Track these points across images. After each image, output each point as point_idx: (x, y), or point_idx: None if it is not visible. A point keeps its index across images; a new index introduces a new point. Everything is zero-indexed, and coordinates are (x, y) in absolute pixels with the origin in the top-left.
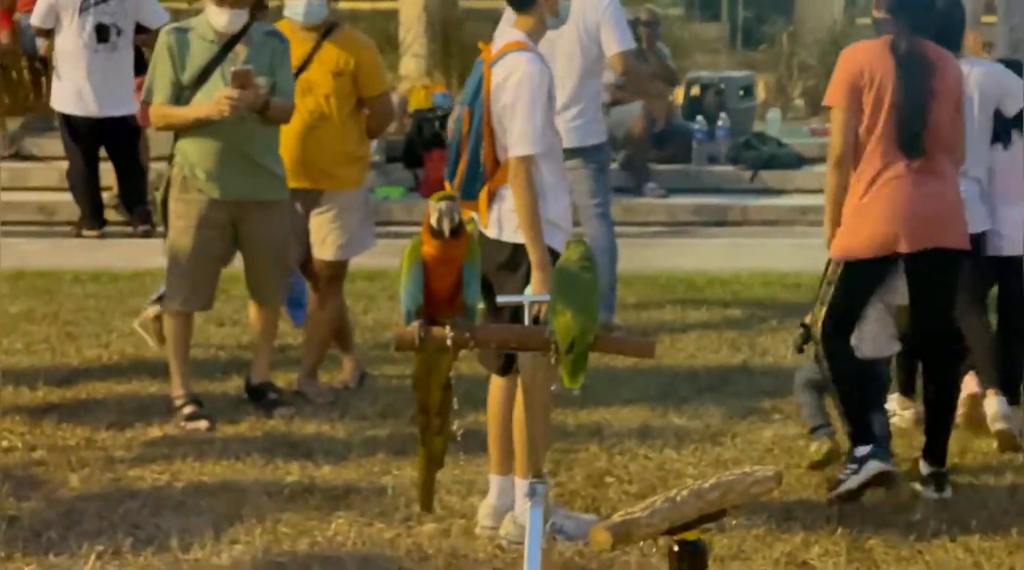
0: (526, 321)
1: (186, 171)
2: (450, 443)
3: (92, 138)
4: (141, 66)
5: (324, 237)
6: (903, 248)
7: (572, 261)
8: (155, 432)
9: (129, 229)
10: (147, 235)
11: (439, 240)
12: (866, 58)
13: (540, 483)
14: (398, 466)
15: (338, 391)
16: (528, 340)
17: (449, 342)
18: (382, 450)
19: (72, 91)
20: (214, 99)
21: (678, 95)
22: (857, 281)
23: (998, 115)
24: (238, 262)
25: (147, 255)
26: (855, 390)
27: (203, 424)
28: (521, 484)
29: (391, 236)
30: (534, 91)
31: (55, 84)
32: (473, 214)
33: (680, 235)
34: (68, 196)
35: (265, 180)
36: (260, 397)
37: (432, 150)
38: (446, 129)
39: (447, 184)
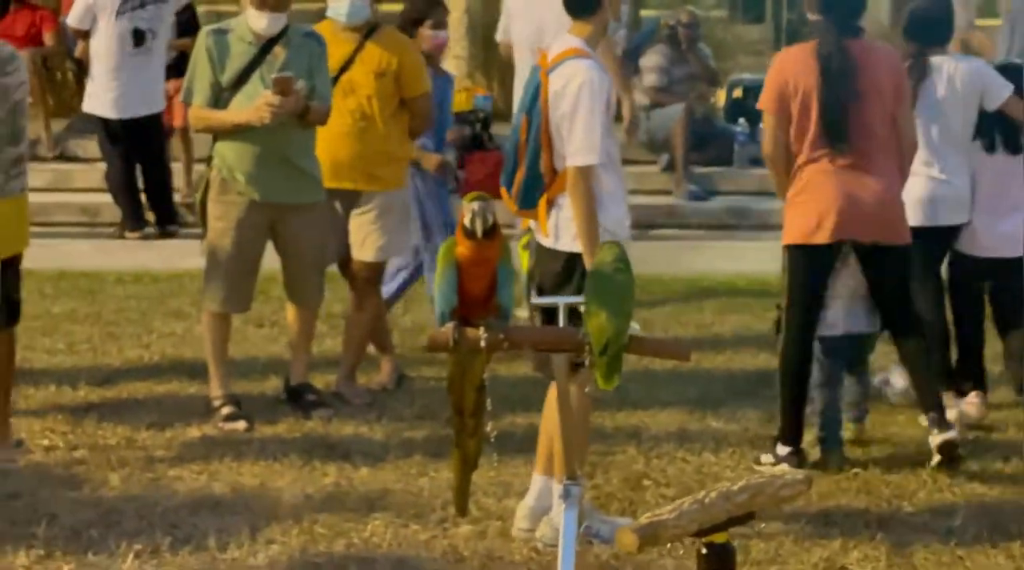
0: (561, 323)
1: (225, 173)
2: (485, 445)
3: (128, 140)
4: (183, 69)
5: (364, 238)
6: (831, 237)
7: (606, 263)
8: (194, 432)
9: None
10: (170, 235)
11: (472, 241)
12: (792, 67)
13: (575, 485)
14: (435, 468)
15: (376, 393)
16: (562, 342)
17: (483, 343)
18: (419, 452)
19: (105, 94)
20: (255, 106)
21: (720, 97)
22: (799, 268)
23: (983, 113)
24: (276, 263)
25: (187, 256)
26: (795, 386)
27: (241, 425)
28: (558, 486)
29: None
30: (594, 99)
31: (88, 86)
32: (531, 223)
33: (721, 238)
34: (111, 197)
35: (303, 182)
36: (298, 398)
37: (473, 152)
38: (487, 131)
39: (504, 192)
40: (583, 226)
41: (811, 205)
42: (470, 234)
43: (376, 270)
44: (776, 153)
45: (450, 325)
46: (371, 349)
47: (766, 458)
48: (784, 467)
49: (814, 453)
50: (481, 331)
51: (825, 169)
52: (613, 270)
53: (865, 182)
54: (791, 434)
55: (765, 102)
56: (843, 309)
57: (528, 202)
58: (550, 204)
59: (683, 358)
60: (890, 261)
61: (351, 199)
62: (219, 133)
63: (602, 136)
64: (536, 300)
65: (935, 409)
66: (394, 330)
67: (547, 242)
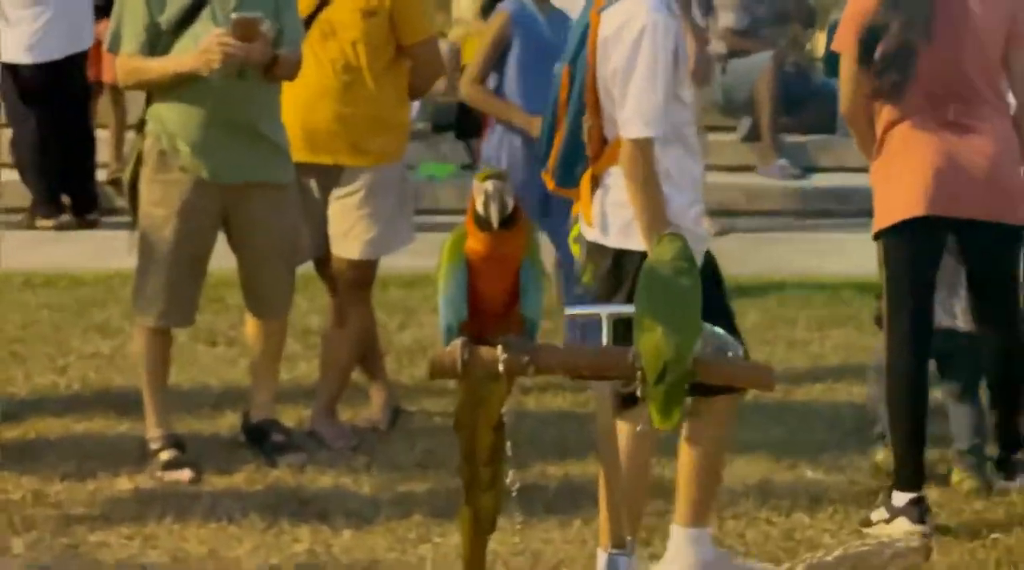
0: (604, 340)
1: (164, 144)
2: (504, 502)
3: (43, 93)
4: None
5: (348, 229)
6: (937, 209)
7: (664, 261)
8: (124, 484)
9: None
10: (92, 225)
11: (487, 232)
12: None
13: (623, 555)
14: (439, 532)
15: (363, 432)
16: (606, 365)
17: (501, 367)
18: (419, 511)
19: (16, 32)
20: (202, 46)
21: (819, 43)
22: (900, 256)
23: None
24: (231, 262)
25: (115, 253)
26: (911, 411)
27: (186, 474)
28: (601, 557)
29: (437, 229)
30: (656, 50)
31: (2, 33)
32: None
33: (818, 228)
34: (15, 175)
35: (267, 155)
36: (261, 439)
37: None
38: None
39: (548, 172)
40: (642, 215)
41: (906, 174)
42: (483, 223)
43: (364, 272)
44: (857, 109)
45: (458, 343)
46: (358, 375)
47: (878, 514)
48: (901, 525)
49: (963, 487)
50: (499, 351)
51: (921, 129)
52: (673, 271)
53: (973, 144)
54: (910, 477)
55: (842, 42)
56: (962, 305)
57: (567, 177)
58: (595, 182)
59: (766, 386)
60: (998, 245)
61: (330, 178)
62: (155, 89)
63: (665, 100)
64: (570, 310)
65: (1010, 446)
66: (389, 351)
67: (591, 234)
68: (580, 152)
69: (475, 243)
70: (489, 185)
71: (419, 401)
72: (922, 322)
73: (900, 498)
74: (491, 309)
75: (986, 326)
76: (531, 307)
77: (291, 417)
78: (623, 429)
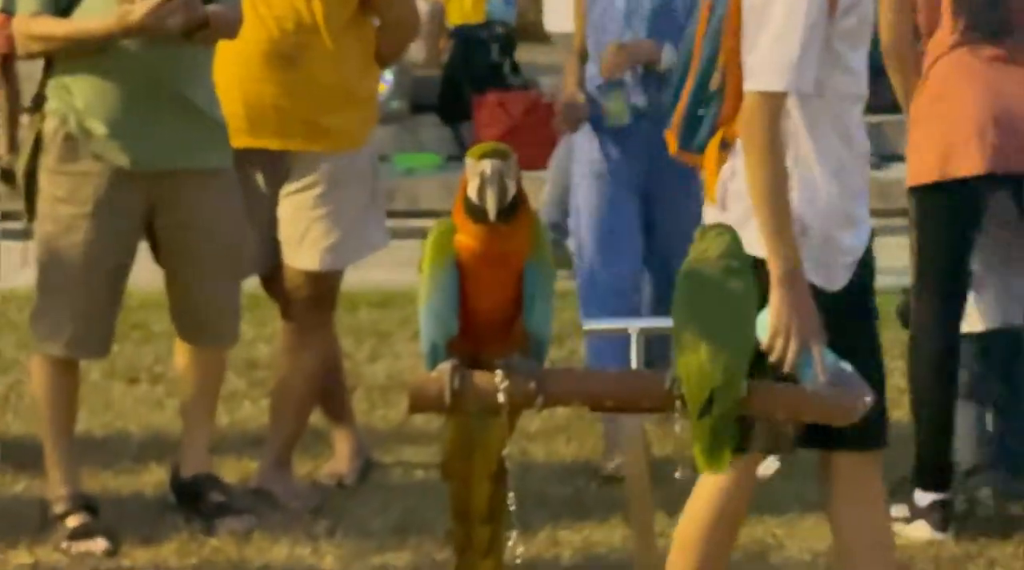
0: (633, 362)
1: (71, 125)
2: None
3: None
4: None
5: (302, 233)
6: (982, 168)
7: (710, 259)
8: (21, 558)
9: None
10: None
11: (482, 225)
12: None
13: None
14: None
15: (326, 490)
16: (636, 394)
17: (501, 398)
18: None
19: None
20: (120, 6)
21: None
22: (933, 220)
23: None
24: (158, 276)
25: (9, 267)
26: (933, 399)
27: (100, 545)
28: None
29: (417, 234)
30: None
31: None
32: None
33: (901, 228)
34: None
35: (206, 134)
36: (195, 499)
37: (487, 91)
38: (509, 58)
39: (672, 130)
40: (760, 196)
41: (949, 122)
42: (478, 213)
43: (324, 287)
44: (902, 41)
45: (446, 368)
46: (318, 418)
47: (899, 510)
48: (920, 530)
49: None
50: (499, 377)
51: (969, 66)
52: (722, 272)
53: None
54: (933, 474)
55: None
56: (995, 290)
57: (691, 138)
58: (725, 148)
59: (849, 418)
60: None
61: (279, 168)
62: (59, 58)
63: (807, 53)
64: (589, 324)
65: None
66: (357, 387)
67: (711, 213)
68: (708, 105)
69: (467, 239)
70: (486, 164)
71: (396, 449)
72: (955, 295)
73: (923, 498)
74: (488, 323)
75: None
76: (538, 320)
77: (233, 471)
78: (710, 485)
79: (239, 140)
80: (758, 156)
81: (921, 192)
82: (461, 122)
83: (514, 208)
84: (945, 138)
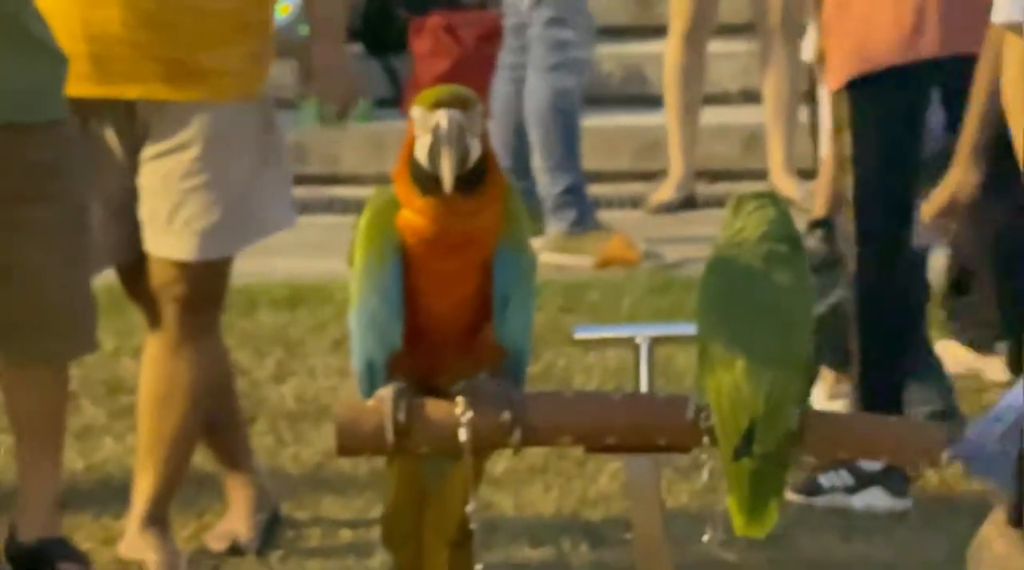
0: (642, 382)
1: None
2: None
3: None
4: None
5: (171, 210)
6: (930, 49)
7: (747, 241)
8: None
9: None
10: None
11: (436, 198)
12: None
13: None
14: None
15: (217, 556)
16: (646, 426)
17: (463, 434)
18: None
19: None
20: None
21: None
22: (871, 119)
23: None
24: None
25: None
26: (880, 331)
27: None
28: None
29: (338, 208)
30: None
31: None
32: None
33: None
34: None
35: (28, 75)
36: (35, 568)
37: (429, 11)
38: None
39: None
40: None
41: (867, 10)
42: (429, 183)
43: (205, 283)
44: None
45: (388, 394)
46: (205, 458)
47: (833, 479)
48: (874, 497)
49: None
50: (459, 407)
51: None
52: (764, 260)
53: None
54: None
55: None
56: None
57: None
58: None
59: (933, 460)
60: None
61: (136, 123)
62: None
63: None
64: (579, 334)
65: None
66: (258, 417)
67: None
68: None
69: (414, 217)
70: (441, 116)
71: (312, 500)
72: (902, 204)
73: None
74: (444, 333)
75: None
76: (513, 327)
77: (92, 533)
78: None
79: (78, 87)
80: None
81: (852, 93)
82: (394, 54)
83: (479, 175)
84: (877, 22)
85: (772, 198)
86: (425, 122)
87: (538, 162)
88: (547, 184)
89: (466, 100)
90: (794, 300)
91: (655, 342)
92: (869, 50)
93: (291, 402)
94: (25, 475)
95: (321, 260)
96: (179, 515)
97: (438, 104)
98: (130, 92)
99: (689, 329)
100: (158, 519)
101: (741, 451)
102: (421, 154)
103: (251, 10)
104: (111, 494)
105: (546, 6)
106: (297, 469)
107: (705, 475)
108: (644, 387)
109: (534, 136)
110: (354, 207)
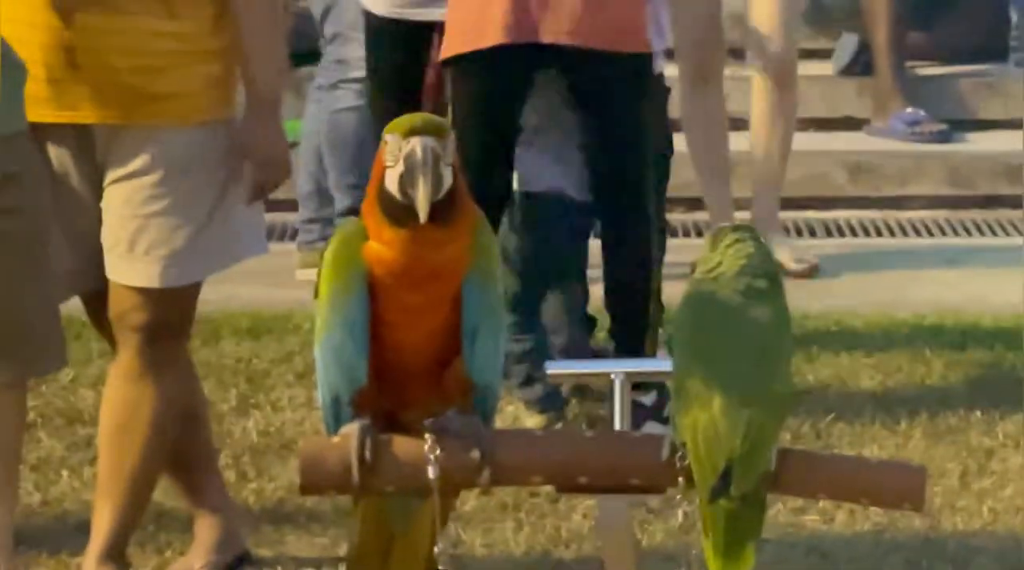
0: (616, 420)
1: None
2: None
3: None
4: None
5: (132, 236)
6: (502, 37)
7: (724, 276)
8: None
9: None
10: None
11: (406, 229)
12: None
13: None
14: None
15: None
16: (621, 466)
17: (432, 472)
18: None
19: None
20: None
21: None
22: (469, 93)
23: None
24: None
25: None
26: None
27: None
28: None
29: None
30: None
31: None
32: None
33: (977, 227)
34: None
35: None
36: None
37: None
38: None
39: None
40: None
41: None
42: (400, 213)
43: (170, 311)
44: None
45: (353, 430)
46: (167, 493)
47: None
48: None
49: None
50: (427, 444)
51: None
52: (742, 295)
53: None
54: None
55: None
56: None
57: None
58: None
59: (913, 503)
60: (608, 85)
61: (97, 146)
62: None
63: None
64: (551, 368)
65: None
66: (220, 448)
67: None
68: None
69: (383, 249)
70: (415, 143)
71: (275, 538)
72: (497, 176)
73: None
74: (412, 367)
75: (601, 195)
76: (483, 362)
77: (48, 569)
78: None
79: (36, 111)
80: None
81: (453, 64)
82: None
83: (450, 204)
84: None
85: (750, 231)
86: (396, 150)
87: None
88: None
89: (440, 127)
90: (773, 336)
91: (629, 377)
92: (456, 29)
93: (254, 435)
94: None
95: (285, 289)
96: (138, 551)
97: (412, 132)
98: (87, 117)
99: (666, 365)
100: (117, 555)
101: (718, 492)
102: (391, 183)
103: (209, 34)
104: (68, 530)
105: (329, 23)
106: (260, 505)
107: (680, 515)
108: (618, 424)
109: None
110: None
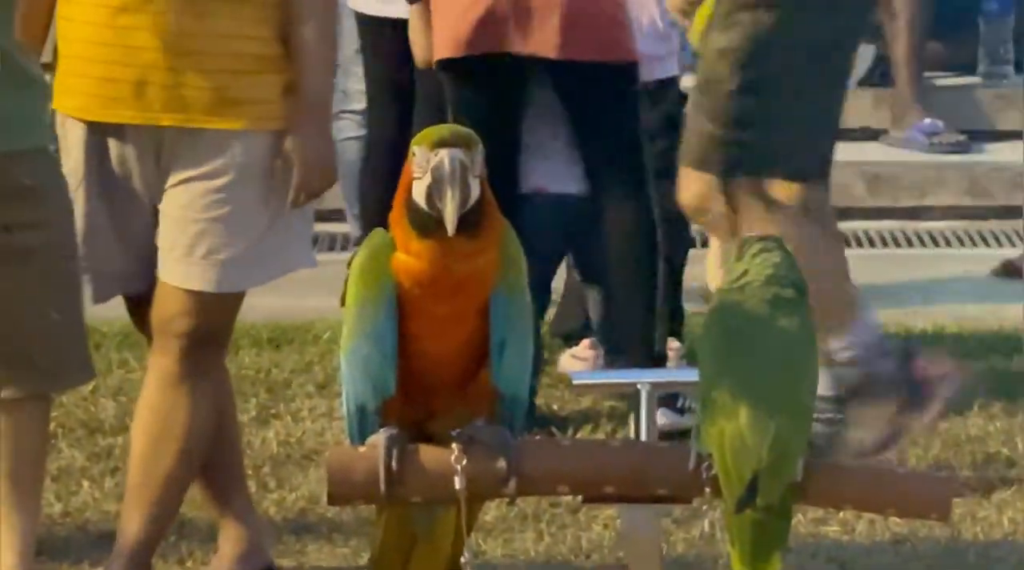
0: (641, 430)
1: None
2: None
3: None
4: None
5: (192, 239)
6: (471, 47)
7: (751, 286)
8: None
9: None
10: None
11: (433, 240)
12: None
13: None
14: None
15: None
16: (647, 477)
17: (459, 483)
18: None
19: None
20: None
21: None
22: (460, 97)
23: None
24: None
25: None
26: None
27: None
28: None
29: (325, 246)
30: None
31: None
32: None
33: (997, 238)
34: None
35: (20, 103)
36: None
37: None
38: None
39: None
40: None
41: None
42: (428, 225)
43: (219, 317)
44: None
45: (380, 440)
46: (196, 502)
47: None
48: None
49: None
50: (454, 454)
51: None
52: (768, 304)
53: None
54: None
55: None
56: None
57: None
58: None
59: (941, 514)
60: (595, 89)
61: (163, 150)
62: None
63: None
64: (578, 379)
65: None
66: (247, 457)
67: None
68: None
69: (411, 260)
70: (444, 155)
71: (299, 548)
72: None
73: None
74: (439, 378)
75: (600, 192)
76: (510, 373)
77: None
78: None
79: (115, 112)
80: None
81: (444, 69)
82: None
83: (477, 216)
84: (445, 14)
85: (777, 242)
86: (424, 162)
87: None
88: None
89: (468, 139)
90: (799, 347)
91: (655, 388)
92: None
93: (275, 446)
94: (2, 520)
95: (305, 298)
96: (160, 562)
97: (440, 143)
98: (167, 120)
99: (691, 375)
100: (142, 565)
101: (744, 502)
102: (419, 195)
103: (283, 42)
104: (90, 540)
105: None
106: (281, 515)
107: (705, 525)
108: (644, 435)
109: None
110: (339, 244)
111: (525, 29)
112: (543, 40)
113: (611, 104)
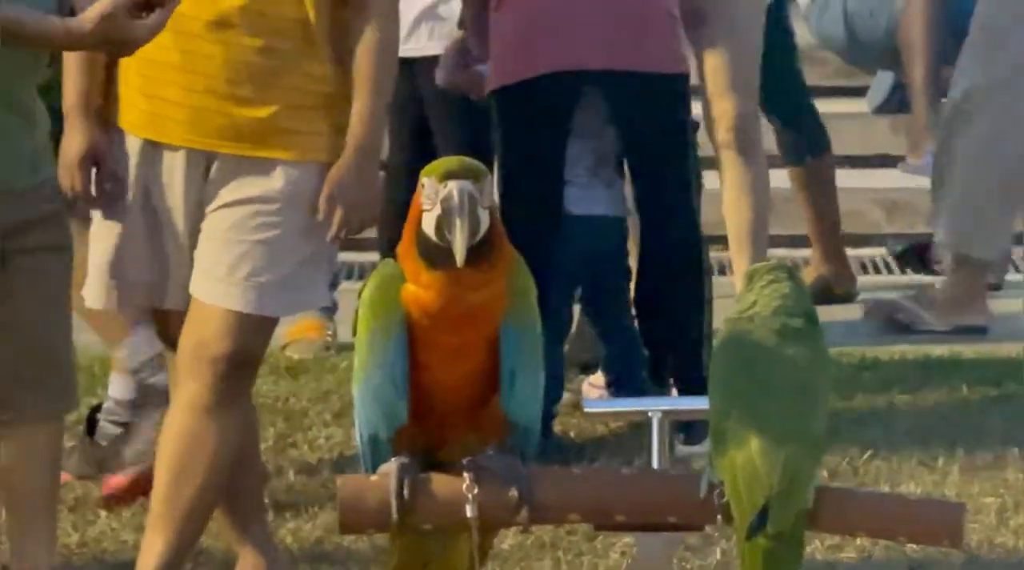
0: (654, 458)
1: None
2: None
3: None
4: None
5: (235, 260)
6: (541, 67)
7: (761, 316)
8: None
9: None
10: None
11: (443, 271)
12: None
13: None
14: None
15: None
16: (659, 504)
17: (471, 511)
18: None
19: None
20: None
21: None
22: (511, 127)
23: None
24: None
25: None
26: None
27: None
28: None
29: (353, 275)
30: None
31: None
32: None
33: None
34: None
35: (32, 140)
36: None
37: None
38: None
39: None
40: None
41: (509, 16)
42: (438, 256)
43: (254, 341)
44: None
45: (392, 469)
46: (206, 540)
47: None
48: None
49: None
50: (466, 482)
51: None
52: (778, 333)
53: None
54: None
55: None
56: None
57: None
58: None
59: (952, 540)
60: (645, 104)
61: (210, 173)
62: None
63: None
64: (589, 407)
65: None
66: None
67: None
68: None
69: (420, 291)
70: (453, 187)
71: None
72: (545, 203)
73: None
74: (450, 406)
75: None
76: (521, 401)
77: None
78: None
79: (173, 134)
80: None
81: (499, 99)
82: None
83: (487, 247)
84: (505, 37)
85: (787, 270)
86: (434, 193)
87: None
88: None
89: (477, 171)
90: (809, 375)
91: (667, 415)
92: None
93: (291, 475)
94: (17, 551)
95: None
96: None
97: (449, 175)
98: (221, 147)
99: (703, 403)
100: None
101: (755, 530)
102: (428, 226)
103: (341, 81)
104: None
105: None
106: (298, 544)
107: (718, 553)
108: (656, 463)
109: None
110: (355, 273)
111: (580, 43)
112: (608, 53)
113: (662, 117)
